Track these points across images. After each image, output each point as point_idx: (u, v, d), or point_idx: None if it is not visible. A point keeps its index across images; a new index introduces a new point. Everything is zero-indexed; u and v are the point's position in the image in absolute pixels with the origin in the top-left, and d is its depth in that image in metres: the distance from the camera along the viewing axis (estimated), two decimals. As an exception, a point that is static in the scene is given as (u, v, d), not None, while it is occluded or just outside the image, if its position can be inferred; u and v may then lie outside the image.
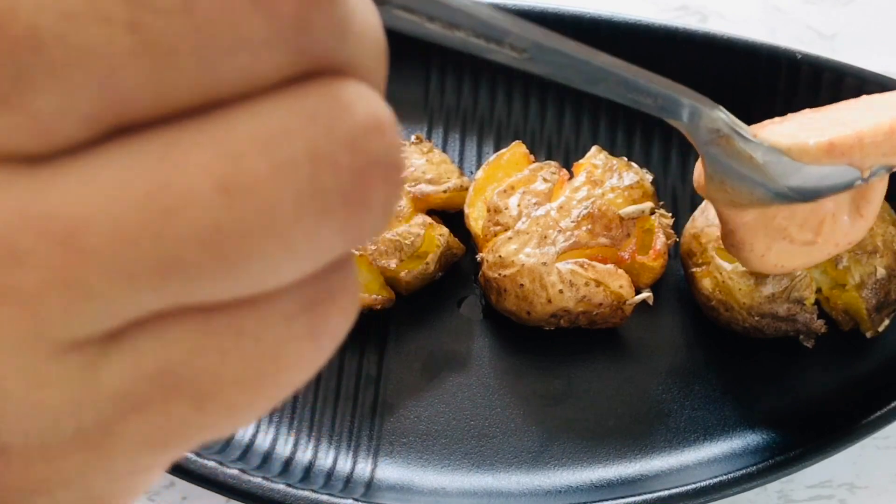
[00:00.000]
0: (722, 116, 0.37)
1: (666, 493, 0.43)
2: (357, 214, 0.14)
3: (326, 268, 0.15)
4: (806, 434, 0.45)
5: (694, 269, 0.51)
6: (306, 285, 0.14)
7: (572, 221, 0.50)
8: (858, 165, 0.40)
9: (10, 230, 0.12)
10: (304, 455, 0.48)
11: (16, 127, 0.12)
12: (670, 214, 0.53)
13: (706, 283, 0.50)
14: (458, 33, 0.24)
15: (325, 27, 0.13)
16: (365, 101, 0.14)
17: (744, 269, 0.48)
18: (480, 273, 0.51)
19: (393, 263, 0.50)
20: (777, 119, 0.46)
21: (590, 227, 0.50)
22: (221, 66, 0.12)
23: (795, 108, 0.55)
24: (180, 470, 0.45)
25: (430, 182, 0.53)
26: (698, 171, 0.42)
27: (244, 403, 0.15)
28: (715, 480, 0.43)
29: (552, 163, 0.54)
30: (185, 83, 0.12)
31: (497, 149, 0.56)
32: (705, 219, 0.51)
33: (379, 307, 0.50)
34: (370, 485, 0.47)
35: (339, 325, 0.15)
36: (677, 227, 0.53)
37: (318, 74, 0.13)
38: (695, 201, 0.55)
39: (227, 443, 0.48)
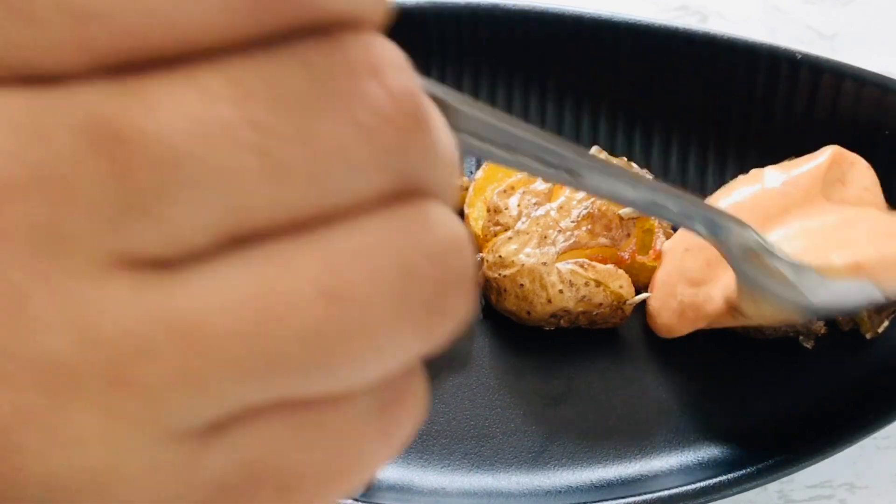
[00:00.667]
0: (753, 236, 0.39)
1: (666, 493, 0.43)
2: (437, 323, 0.15)
3: (401, 372, 0.16)
4: (806, 434, 0.45)
5: (694, 269, 0.51)
6: (383, 387, 0.16)
7: (572, 221, 0.50)
8: (882, 286, 0.43)
9: (143, 327, 0.13)
10: (304, 455, 0.48)
11: (155, 234, 0.13)
12: (670, 214, 0.53)
13: (706, 283, 0.50)
14: (519, 157, 0.26)
15: (420, 153, 0.15)
16: (447, 220, 0.15)
17: None
18: (480, 273, 0.51)
19: (393, 263, 0.50)
20: (741, 178, 0.47)
21: (590, 227, 0.50)
22: (330, 186, 0.14)
23: (795, 108, 0.55)
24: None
25: (430, 182, 0.53)
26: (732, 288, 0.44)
27: (321, 495, 0.16)
28: (715, 480, 0.43)
29: (552, 163, 0.54)
30: (299, 200, 0.14)
31: (497, 149, 0.56)
32: None
33: (379, 307, 0.50)
34: (370, 484, 0.47)
35: (407, 426, 0.17)
36: (677, 228, 0.53)
37: (409, 195, 0.15)
38: (695, 201, 0.55)
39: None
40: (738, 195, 0.51)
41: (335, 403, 0.15)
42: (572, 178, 0.29)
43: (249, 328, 0.14)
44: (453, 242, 0.15)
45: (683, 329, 0.49)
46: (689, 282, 0.49)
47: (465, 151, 0.24)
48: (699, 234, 0.37)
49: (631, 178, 0.32)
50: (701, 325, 0.49)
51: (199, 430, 0.14)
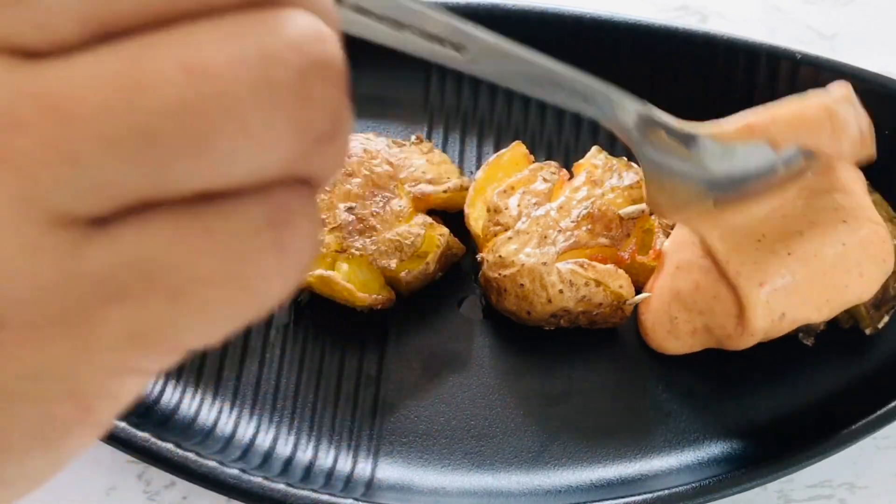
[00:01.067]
0: (649, 109, 0.40)
1: (666, 492, 0.43)
2: (303, 109, 0.16)
3: (286, 183, 0.17)
4: (806, 434, 0.45)
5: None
6: (268, 199, 0.16)
7: (572, 221, 0.50)
8: (774, 144, 0.44)
9: (12, 103, 0.14)
10: (305, 455, 0.48)
11: (20, 20, 0.14)
12: (670, 214, 0.53)
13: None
14: (406, 34, 0.27)
15: None
16: (307, 18, 0.16)
17: None
18: (480, 273, 0.51)
19: (393, 263, 0.50)
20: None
21: (590, 226, 0.50)
22: None
23: (795, 108, 0.55)
24: (181, 470, 0.45)
25: (430, 182, 0.53)
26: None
27: (215, 305, 0.16)
28: (715, 480, 0.43)
29: (552, 163, 0.54)
30: None
31: (497, 149, 0.56)
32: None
33: (379, 307, 0.50)
34: (370, 484, 0.47)
35: (301, 249, 0.17)
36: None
37: (271, 2, 0.16)
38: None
39: (228, 442, 0.48)
40: None
41: (219, 206, 0.16)
42: (461, 54, 0.30)
43: (116, 101, 0.14)
44: (313, 34, 0.16)
45: (677, 350, 0.49)
46: (683, 305, 0.49)
47: (350, 29, 0.24)
48: (595, 116, 0.37)
49: (520, 56, 0.33)
50: (696, 349, 0.49)
51: (81, 220, 0.15)
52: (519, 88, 0.34)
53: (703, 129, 0.43)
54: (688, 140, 0.41)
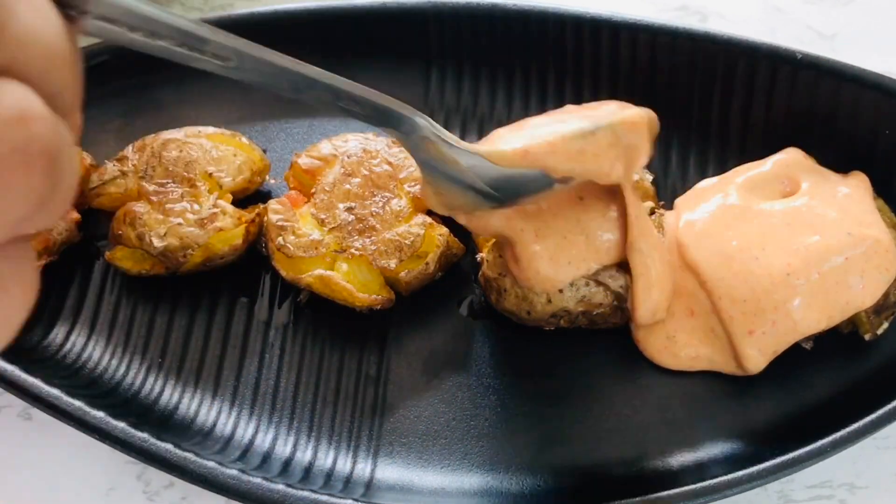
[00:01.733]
0: (426, 124, 0.41)
1: (666, 493, 0.43)
2: (1, 198, 0.16)
3: None
4: (806, 434, 0.45)
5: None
6: None
7: (572, 221, 0.50)
8: (552, 173, 0.44)
9: None
10: (304, 455, 0.48)
11: None
12: (670, 214, 0.53)
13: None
14: (161, 42, 0.27)
15: None
16: (11, 96, 0.16)
17: None
18: (480, 273, 0.51)
19: (393, 263, 0.50)
20: (510, 126, 0.49)
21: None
22: None
23: (795, 108, 0.55)
24: (180, 470, 0.45)
25: (429, 182, 0.53)
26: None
27: None
28: (715, 480, 0.43)
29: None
30: None
31: (497, 149, 0.56)
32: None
33: (379, 307, 0.50)
34: (370, 485, 0.46)
35: (10, 311, 0.17)
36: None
37: None
38: (695, 201, 0.55)
39: (227, 443, 0.48)
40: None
41: None
42: (224, 64, 0.30)
43: None
44: (14, 117, 0.16)
45: (670, 366, 0.50)
46: (680, 327, 0.49)
47: (98, 36, 0.24)
48: (368, 122, 0.38)
49: (285, 66, 0.33)
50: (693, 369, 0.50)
51: None
52: (284, 93, 0.34)
53: (481, 149, 0.43)
54: (463, 155, 0.42)
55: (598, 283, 0.49)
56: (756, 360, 0.48)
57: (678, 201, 0.53)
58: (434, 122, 0.41)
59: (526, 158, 0.43)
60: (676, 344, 0.49)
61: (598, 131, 0.44)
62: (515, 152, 0.43)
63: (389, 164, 0.54)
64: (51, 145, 0.17)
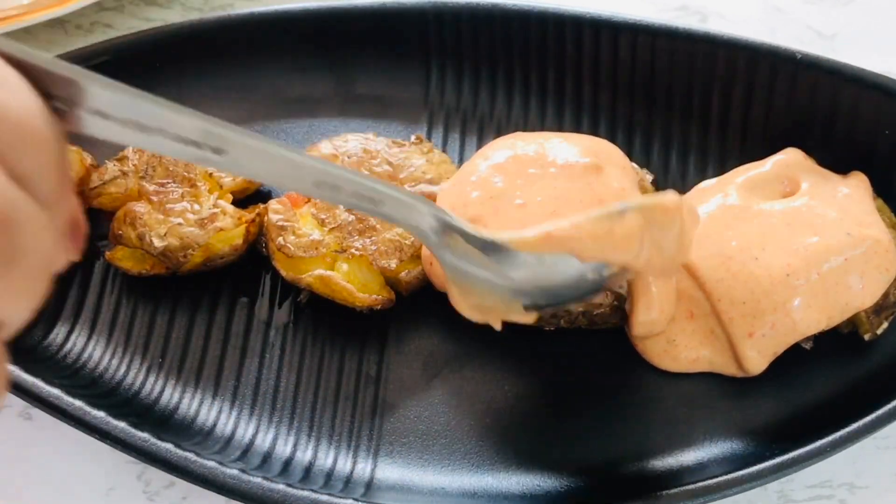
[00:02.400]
0: (443, 216, 0.38)
1: (666, 492, 0.43)
2: None
3: None
4: (806, 434, 0.45)
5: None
6: None
7: (572, 221, 0.50)
8: (579, 256, 0.40)
9: None
10: (304, 455, 0.48)
11: None
12: (670, 214, 0.53)
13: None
14: (155, 137, 0.25)
15: None
16: None
17: None
18: (480, 273, 0.51)
19: (393, 264, 0.50)
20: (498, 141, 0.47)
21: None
22: None
23: (795, 108, 0.55)
24: (181, 470, 0.45)
25: (430, 182, 0.53)
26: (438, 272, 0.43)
27: None
28: (715, 480, 0.43)
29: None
30: None
31: (497, 149, 0.56)
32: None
33: (379, 307, 0.50)
34: (370, 485, 0.47)
35: None
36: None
37: None
38: (695, 201, 0.55)
39: (228, 442, 0.48)
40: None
41: None
42: (220, 156, 0.28)
43: None
44: None
45: (671, 369, 0.50)
46: (681, 329, 0.49)
47: (95, 134, 0.24)
48: (387, 218, 0.35)
49: (295, 159, 0.31)
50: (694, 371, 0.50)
51: None
52: (294, 189, 0.32)
53: (502, 236, 0.40)
54: (486, 247, 0.39)
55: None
56: (757, 361, 0.48)
57: None
58: (451, 213, 0.38)
59: (551, 242, 0.40)
60: (677, 347, 0.49)
61: (626, 212, 0.40)
62: (538, 238, 0.40)
63: (389, 163, 0.54)
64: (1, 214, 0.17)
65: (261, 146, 0.29)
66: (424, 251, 0.50)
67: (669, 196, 0.41)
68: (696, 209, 0.44)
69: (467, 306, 0.41)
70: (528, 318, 0.42)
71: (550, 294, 0.41)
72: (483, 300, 0.41)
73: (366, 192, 0.34)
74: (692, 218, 0.42)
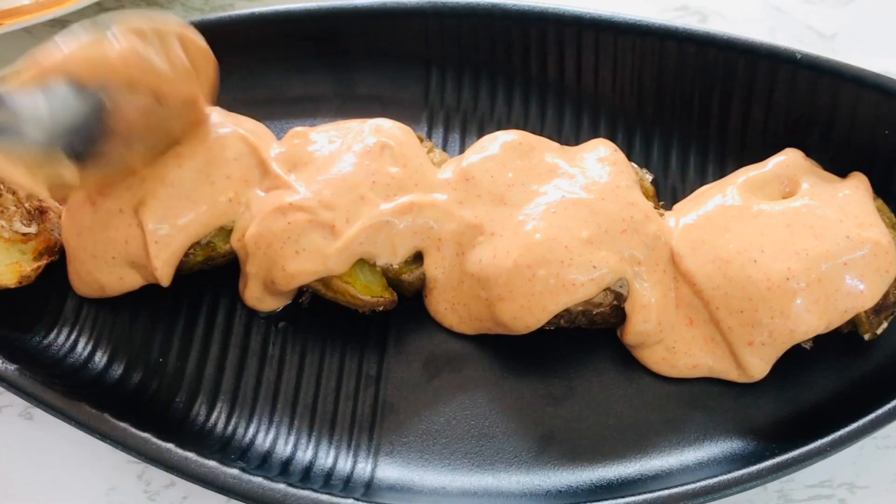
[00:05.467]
0: None
1: (666, 492, 0.43)
2: None
3: None
4: (806, 434, 0.45)
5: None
6: None
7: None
8: (79, 82, 0.40)
9: None
10: (305, 455, 0.48)
11: None
12: (670, 214, 0.53)
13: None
14: None
15: None
16: None
17: None
18: (480, 273, 0.51)
19: (395, 265, 0.50)
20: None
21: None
22: None
23: (795, 108, 0.55)
24: (180, 470, 0.45)
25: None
26: None
27: None
28: (715, 480, 0.43)
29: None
30: None
31: (497, 149, 0.56)
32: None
33: (381, 308, 0.50)
34: (370, 485, 0.47)
35: None
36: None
37: None
38: (695, 201, 0.55)
39: (228, 442, 0.48)
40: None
41: None
42: None
43: None
44: None
45: (669, 375, 0.50)
46: (679, 336, 0.49)
47: None
48: None
49: None
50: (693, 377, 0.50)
51: None
52: None
53: None
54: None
55: (599, 283, 0.49)
56: (760, 367, 0.48)
57: (676, 206, 0.53)
58: None
59: (43, 72, 0.39)
60: (676, 354, 0.49)
61: (114, 34, 0.41)
62: (28, 69, 0.39)
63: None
64: None
65: None
66: None
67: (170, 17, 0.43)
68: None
69: (20, 174, 0.41)
70: (74, 176, 0.41)
71: (81, 134, 0.41)
72: (23, 159, 0.40)
73: None
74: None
